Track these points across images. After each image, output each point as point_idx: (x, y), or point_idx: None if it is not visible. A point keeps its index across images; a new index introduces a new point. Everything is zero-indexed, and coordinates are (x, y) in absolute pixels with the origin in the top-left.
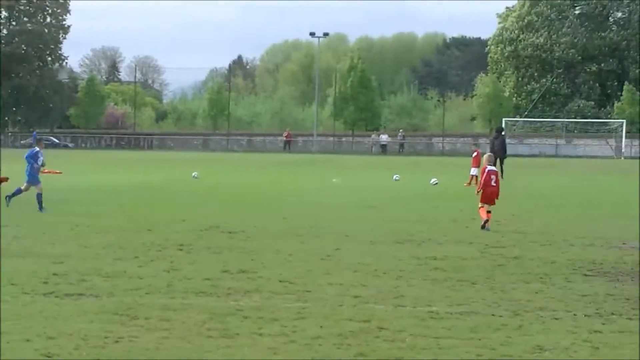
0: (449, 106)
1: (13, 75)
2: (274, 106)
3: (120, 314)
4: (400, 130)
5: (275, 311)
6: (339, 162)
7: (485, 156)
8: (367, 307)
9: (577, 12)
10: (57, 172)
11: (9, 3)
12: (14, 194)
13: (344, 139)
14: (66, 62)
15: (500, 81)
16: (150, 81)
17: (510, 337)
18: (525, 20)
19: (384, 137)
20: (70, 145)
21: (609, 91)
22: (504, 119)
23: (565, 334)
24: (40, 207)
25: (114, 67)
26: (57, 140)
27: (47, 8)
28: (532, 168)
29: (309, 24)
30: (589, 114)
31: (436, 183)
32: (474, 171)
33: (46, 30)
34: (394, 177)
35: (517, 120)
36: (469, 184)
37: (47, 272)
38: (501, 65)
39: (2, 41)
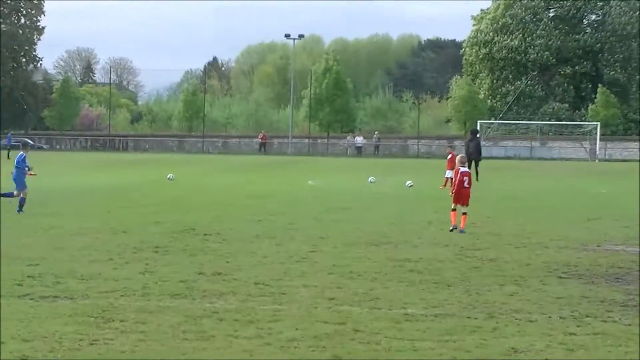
0: (424, 108)
1: None
2: (249, 108)
3: (96, 316)
4: (376, 132)
5: (251, 313)
6: (314, 164)
7: (457, 157)
8: (343, 309)
9: (551, 14)
10: (32, 174)
11: None
12: (5, 195)
13: (319, 140)
14: (41, 64)
15: (475, 83)
16: (125, 83)
17: (485, 340)
18: (500, 23)
19: (359, 139)
20: (45, 146)
21: (583, 93)
22: (478, 121)
23: (540, 336)
24: (20, 209)
25: (88, 69)
26: (31, 142)
27: (22, 9)
28: (507, 170)
29: (284, 25)
30: (564, 116)
31: (411, 185)
32: (449, 173)
33: (20, 32)
34: (369, 179)
35: (492, 123)
36: (444, 186)
37: (21, 275)
38: (476, 68)
39: None
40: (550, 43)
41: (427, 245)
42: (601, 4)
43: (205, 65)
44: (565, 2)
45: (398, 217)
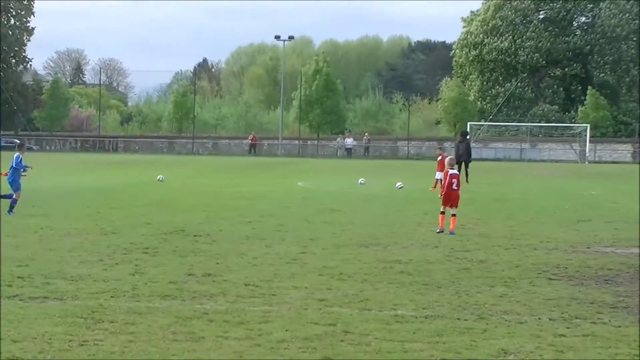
0: (414, 110)
1: None
2: (239, 109)
3: (85, 317)
4: (366, 134)
5: (241, 315)
6: (304, 166)
7: (447, 159)
8: (333, 311)
9: (541, 16)
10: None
11: None
12: (5, 196)
13: (309, 142)
14: (30, 65)
15: (465, 85)
16: (115, 84)
17: (475, 341)
18: (490, 25)
19: (349, 141)
20: (34, 147)
21: (573, 95)
22: (468, 123)
23: (530, 337)
24: (10, 210)
25: (78, 70)
26: (17, 141)
27: (11, 10)
28: (497, 172)
29: (274, 27)
30: (554, 118)
31: (401, 187)
32: (439, 175)
33: (10, 32)
34: (360, 180)
35: (482, 124)
36: (434, 187)
37: (11, 276)
38: (466, 69)
39: None
40: (540, 45)
41: (417, 246)
42: (591, 6)
43: (195, 67)
44: (555, 4)
45: (388, 219)
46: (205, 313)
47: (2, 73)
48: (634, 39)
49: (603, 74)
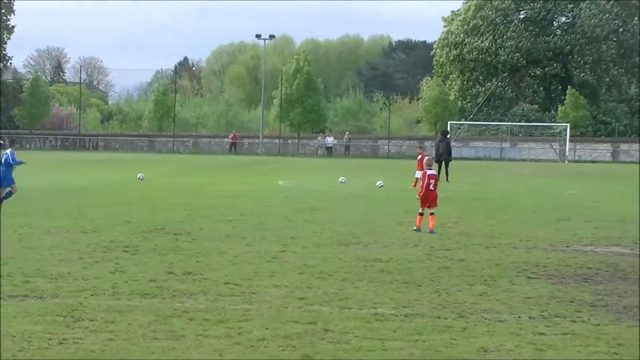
0: (395, 109)
1: None
2: (220, 108)
3: (65, 315)
4: (346, 133)
5: (221, 313)
6: (285, 164)
7: (425, 159)
8: (313, 309)
9: (521, 16)
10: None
11: None
12: (5, 198)
13: (290, 141)
14: (10, 63)
15: (445, 84)
16: (95, 82)
17: (454, 339)
18: (471, 24)
19: (330, 140)
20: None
21: (553, 95)
22: (449, 122)
23: (510, 336)
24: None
25: (58, 68)
26: (0, 141)
27: None
28: (477, 171)
29: (255, 26)
30: (534, 117)
31: (382, 185)
32: (419, 174)
33: None
34: (340, 179)
35: (462, 124)
36: (414, 186)
37: None
38: (446, 69)
39: None
40: (520, 45)
41: (397, 245)
42: (571, 6)
43: (175, 65)
44: (535, 4)
45: (368, 217)
46: (186, 311)
47: None
48: (614, 39)
49: (583, 74)
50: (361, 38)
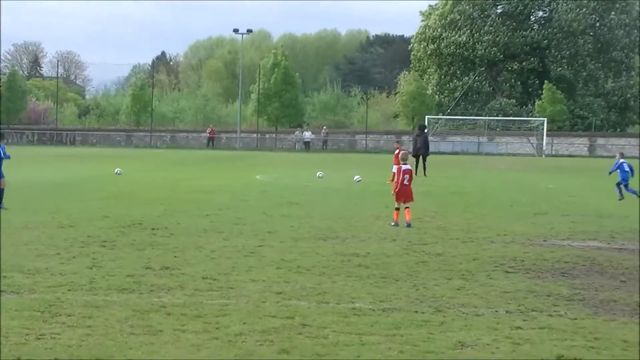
0: (372, 103)
1: None
2: (197, 102)
3: (42, 311)
4: (324, 127)
5: (199, 308)
6: (262, 159)
7: (400, 153)
8: (290, 304)
9: (499, 10)
10: None
11: None
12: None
13: (267, 135)
14: None
15: (423, 79)
16: (72, 77)
17: (432, 334)
18: (448, 19)
19: (308, 134)
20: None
21: (530, 89)
22: (426, 117)
23: (487, 330)
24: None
25: (36, 62)
26: None
27: None
28: (455, 165)
29: (233, 20)
30: (511, 112)
31: (359, 180)
32: (396, 168)
33: None
34: (318, 174)
35: (440, 118)
36: (392, 180)
37: None
38: (424, 63)
39: None
40: (497, 39)
41: (374, 239)
42: (548, 0)
43: (153, 60)
44: None
45: (346, 212)
46: (163, 306)
47: None
48: (591, 33)
49: (560, 68)
50: (339, 33)
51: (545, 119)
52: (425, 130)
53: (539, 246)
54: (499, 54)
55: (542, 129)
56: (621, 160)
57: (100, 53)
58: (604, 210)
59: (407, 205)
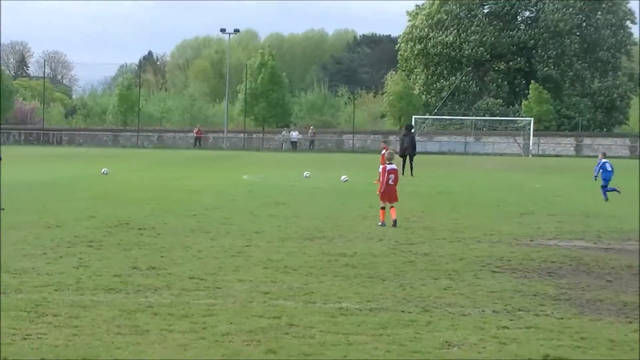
0: (359, 103)
1: None
2: (184, 102)
3: (29, 311)
4: (311, 127)
5: (185, 308)
6: (249, 159)
7: (386, 153)
8: (277, 304)
9: (486, 10)
10: None
11: None
12: None
13: (254, 135)
14: None
15: (410, 79)
16: (59, 77)
17: (419, 333)
18: (435, 19)
19: (295, 134)
20: None
21: (517, 89)
22: (413, 117)
23: (474, 330)
24: None
25: (22, 62)
26: None
27: None
28: (441, 165)
29: (220, 20)
30: (498, 111)
31: (346, 180)
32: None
33: None
34: (305, 173)
35: (427, 118)
36: (379, 180)
37: None
38: (411, 63)
39: None
40: (484, 39)
41: (361, 239)
42: (535, 0)
43: (140, 60)
44: None
45: (333, 212)
46: (150, 306)
47: None
48: (577, 33)
49: (547, 68)
50: (326, 32)
51: (532, 118)
52: (412, 130)
53: (526, 246)
54: (485, 53)
55: (529, 128)
56: (603, 160)
57: (87, 53)
58: (591, 210)
59: (392, 205)
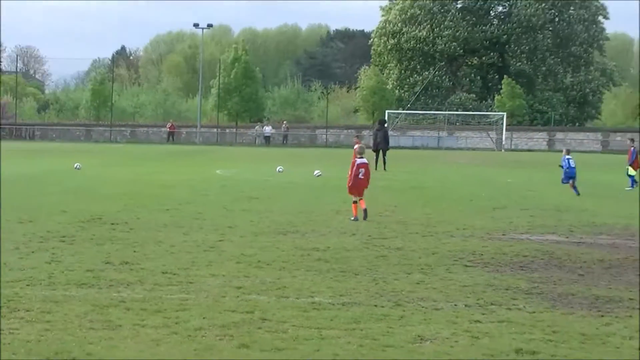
0: (333, 98)
1: None
2: (157, 97)
3: (1, 306)
4: (284, 122)
5: (158, 303)
6: (222, 154)
7: (355, 148)
8: (250, 298)
9: (459, 5)
10: None
11: None
12: None
13: (227, 130)
14: None
15: (383, 73)
16: (32, 71)
17: (391, 328)
18: (408, 13)
19: (268, 129)
20: None
21: (490, 84)
22: (386, 111)
23: (446, 324)
24: None
25: None
26: None
27: None
28: (415, 160)
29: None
30: (471, 106)
31: (319, 175)
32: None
33: None
34: (278, 168)
35: (400, 113)
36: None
37: None
38: (384, 58)
39: None
40: (457, 34)
41: (334, 234)
42: None
43: (113, 54)
44: None
45: (306, 206)
46: (123, 301)
47: None
48: (550, 28)
49: (519, 63)
50: (299, 27)
51: (505, 113)
52: (385, 125)
53: (498, 240)
54: (458, 48)
55: (502, 123)
56: (567, 157)
57: (60, 47)
58: (563, 205)
59: (361, 197)
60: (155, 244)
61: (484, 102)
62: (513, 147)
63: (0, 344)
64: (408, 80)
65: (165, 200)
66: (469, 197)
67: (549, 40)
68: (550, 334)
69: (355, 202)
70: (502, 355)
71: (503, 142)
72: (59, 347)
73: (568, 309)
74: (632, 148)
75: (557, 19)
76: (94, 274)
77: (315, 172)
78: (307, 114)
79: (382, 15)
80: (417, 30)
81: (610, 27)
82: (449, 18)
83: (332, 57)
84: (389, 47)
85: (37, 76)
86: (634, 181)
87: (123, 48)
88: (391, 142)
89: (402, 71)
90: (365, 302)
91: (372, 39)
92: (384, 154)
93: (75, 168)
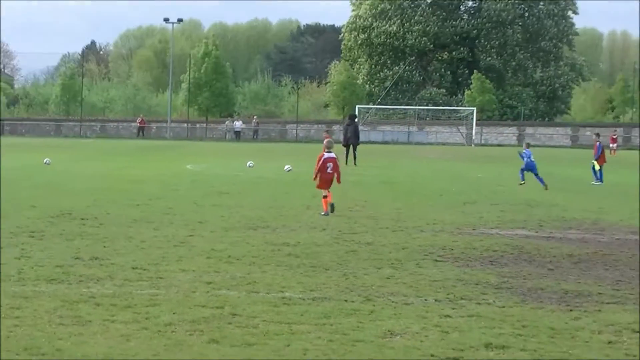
0: (303, 93)
1: None
2: (127, 92)
3: None
4: (255, 117)
5: (128, 298)
6: (193, 149)
7: (324, 142)
8: (220, 294)
9: (429, 0)
10: None
11: None
12: None
13: (197, 125)
14: None
15: (353, 68)
16: (1, 66)
17: (361, 322)
18: (379, 8)
19: (238, 124)
20: None
21: (460, 79)
22: (357, 106)
23: (416, 318)
24: None
25: None
26: None
27: None
28: (385, 155)
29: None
30: (441, 101)
31: (290, 170)
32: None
33: None
34: (248, 163)
35: (370, 108)
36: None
37: None
38: (355, 53)
39: None
40: (427, 29)
41: (305, 229)
42: None
43: (83, 49)
44: None
45: (276, 202)
46: (92, 297)
47: None
48: (520, 23)
49: (489, 58)
50: (270, 22)
51: (475, 108)
52: (356, 120)
53: (468, 235)
54: (429, 43)
55: (472, 118)
56: (528, 150)
57: (29, 42)
58: (532, 199)
59: (327, 192)
60: (125, 239)
61: (454, 97)
62: (483, 142)
63: (0, 342)
64: (378, 75)
65: (135, 196)
66: (439, 192)
67: (518, 35)
68: (519, 328)
69: (325, 196)
70: (471, 350)
71: (473, 137)
72: (28, 343)
73: (537, 303)
74: (598, 143)
75: (526, 14)
76: (64, 270)
77: (286, 167)
78: (277, 109)
79: (353, 10)
80: (387, 25)
81: (580, 22)
82: (419, 13)
83: (302, 52)
84: (359, 42)
85: (6, 71)
86: (601, 175)
87: (93, 43)
88: (361, 137)
89: (373, 66)
90: (335, 297)
91: (342, 34)
92: (354, 149)
93: (45, 163)
